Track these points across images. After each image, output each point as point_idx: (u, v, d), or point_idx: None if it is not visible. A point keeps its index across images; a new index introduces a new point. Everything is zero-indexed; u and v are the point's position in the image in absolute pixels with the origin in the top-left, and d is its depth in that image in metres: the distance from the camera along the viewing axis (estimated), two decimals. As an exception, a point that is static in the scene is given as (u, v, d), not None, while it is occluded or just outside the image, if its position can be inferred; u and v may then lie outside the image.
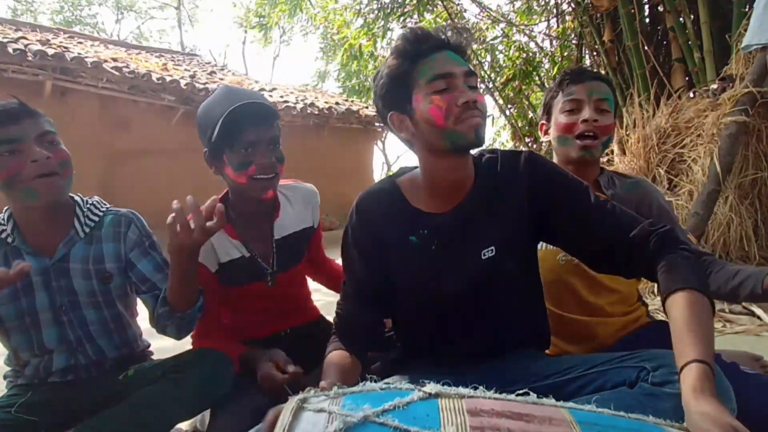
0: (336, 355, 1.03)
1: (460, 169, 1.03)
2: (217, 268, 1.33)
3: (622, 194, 1.29)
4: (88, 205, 1.26)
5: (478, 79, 1.03)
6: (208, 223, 1.05)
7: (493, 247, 1.03)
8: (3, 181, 1.11)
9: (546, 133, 1.40)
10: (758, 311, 2.45)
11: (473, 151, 1.05)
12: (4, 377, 1.29)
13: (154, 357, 1.39)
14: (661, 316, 1.89)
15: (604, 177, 1.35)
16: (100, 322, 1.25)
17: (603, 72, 5.01)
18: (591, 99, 1.28)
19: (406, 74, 0.99)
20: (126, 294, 1.29)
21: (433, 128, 0.97)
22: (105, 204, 1.30)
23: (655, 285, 1.36)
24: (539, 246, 1.15)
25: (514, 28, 6.72)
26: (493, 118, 6.96)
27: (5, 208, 1.21)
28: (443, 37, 1.00)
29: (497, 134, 6.88)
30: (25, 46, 5.35)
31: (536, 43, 6.67)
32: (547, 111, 1.39)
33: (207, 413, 1.28)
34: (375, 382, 0.69)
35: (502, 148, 1.24)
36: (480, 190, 1.05)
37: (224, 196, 1.35)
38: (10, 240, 1.17)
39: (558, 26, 6.12)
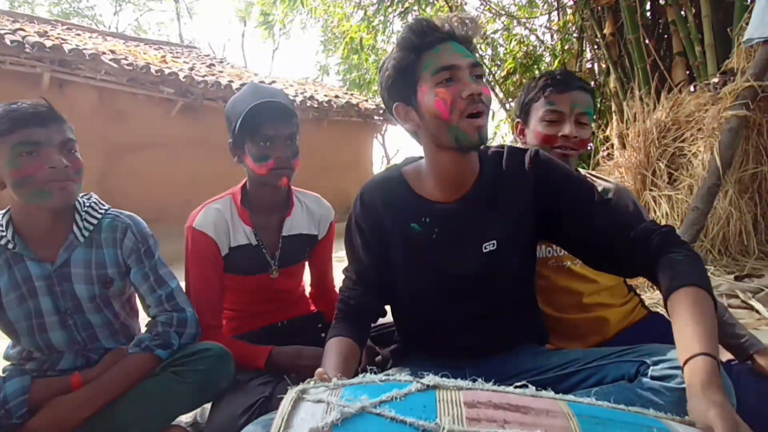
0: (335, 342, 1.03)
1: (465, 163, 1.03)
2: (227, 252, 1.38)
3: None
4: (85, 208, 1.23)
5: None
6: None
7: (495, 242, 1.03)
8: (16, 180, 1.10)
9: (521, 133, 1.37)
10: (757, 305, 2.46)
11: None
12: (3, 371, 1.29)
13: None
14: (659, 309, 1.89)
15: None
16: (105, 324, 1.26)
17: (603, 66, 5.00)
18: (573, 112, 1.26)
19: (412, 66, 0.98)
20: (123, 293, 1.29)
21: (438, 121, 0.97)
22: (103, 205, 1.28)
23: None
24: None
25: (515, 21, 6.69)
26: (493, 113, 6.94)
27: (2, 211, 1.19)
28: (448, 28, 0.99)
29: (497, 127, 6.87)
30: (23, 37, 5.29)
31: (537, 37, 6.65)
32: (525, 111, 1.35)
33: (207, 406, 1.29)
34: (375, 374, 0.69)
35: (508, 144, 1.23)
36: (485, 183, 1.05)
37: (244, 185, 1.44)
38: (10, 246, 1.15)
39: (559, 19, 6.09)
